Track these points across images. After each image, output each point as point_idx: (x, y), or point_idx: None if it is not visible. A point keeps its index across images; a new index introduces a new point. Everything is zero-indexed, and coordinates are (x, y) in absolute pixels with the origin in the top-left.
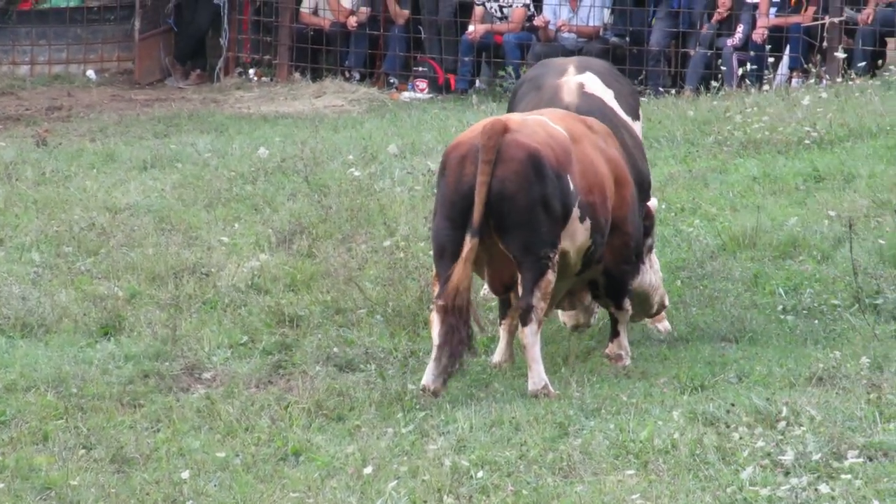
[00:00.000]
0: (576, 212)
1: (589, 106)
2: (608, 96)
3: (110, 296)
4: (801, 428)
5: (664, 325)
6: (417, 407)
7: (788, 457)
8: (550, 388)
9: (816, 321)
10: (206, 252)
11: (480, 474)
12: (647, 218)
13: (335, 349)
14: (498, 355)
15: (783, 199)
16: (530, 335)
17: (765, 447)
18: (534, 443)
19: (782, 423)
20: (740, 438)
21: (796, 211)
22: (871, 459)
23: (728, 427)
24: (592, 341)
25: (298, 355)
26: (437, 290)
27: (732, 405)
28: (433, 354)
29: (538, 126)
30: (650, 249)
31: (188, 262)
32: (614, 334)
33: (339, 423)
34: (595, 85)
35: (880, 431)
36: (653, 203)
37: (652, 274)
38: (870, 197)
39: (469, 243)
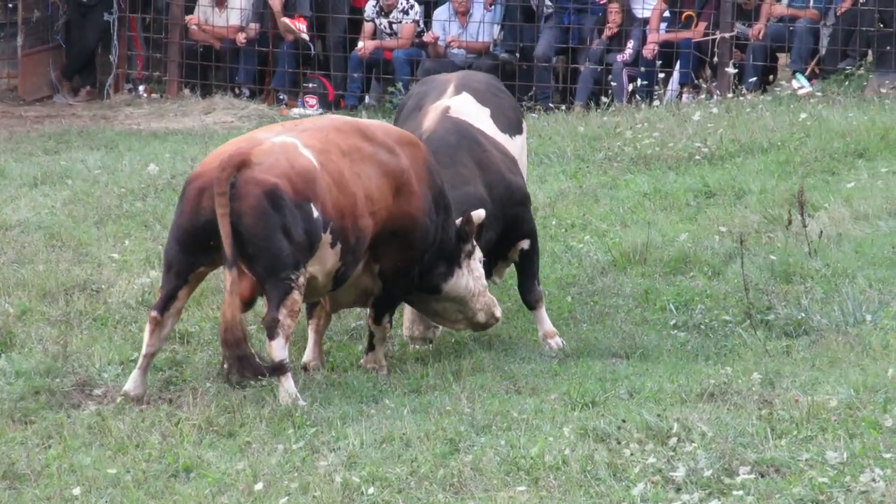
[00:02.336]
0: (326, 237)
1: (446, 130)
2: (482, 115)
3: (1, 312)
4: (693, 444)
5: (556, 341)
6: (308, 423)
7: (680, 473)
8: (300, 399)
9: (708, 337)
10: (96, 269)
11: (371, 491)
12: (468, 224)
13: (226, 365)
14: (307, 355)
15: (674, 214)
16: (278, 349)
17: (656, 463)
18: (424, 459)
19: (673, 440)
20: (631, 455)
21: (687, 227)
22: (762, 475)
23: (619, 443)
24: (486, 358)
25: (189, 371)
26: (157, 301)
27: (623, 421)
28: (139, 363)
29: (282, 155)
30: (469, 255)
31: (79, 279)
32: (369, 347)
33: (230, 440)
34: (466, 107)
35: (772, 447)
36: (479, 213)
37: (471, 280)
38: (761, 212)
39: (229, 276)
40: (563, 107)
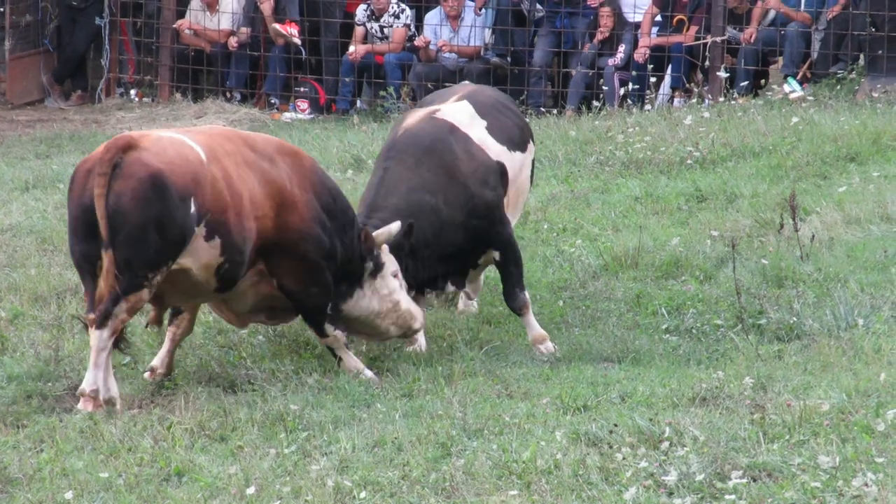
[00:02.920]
0: (200, 230)
1: (422, 131)
2: (477, 124)
3: None
4: (685, 448)
5: (546, 346)
6: (300, 427)
7: (672, 477)
8: (102, 395)
9: (700, 341)
10: None
11: (363, 495)
12: (367, 240)
13: (217, 369)
14: (156, 360)
15: (665, 219)
16: (100, 339)
17: (648, 468)
18: (416, 463)
19: (666, 444)
20: (623, 459)
21: (679, 231)
22: (754, 480)
23: (611, 447)
24: (477, 362)
25: (181, 376)
26: (86, 305)
27: (615, 425)
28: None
29: (171, 145)
30: (373, 274)
31: (71, 283)
32: (338, 360)
33: (222, 444)
34: (460, 113)
35: (764, 452)
36: (390, 228)
37: (375, 300)
38: (752, 216)
39: (106, 258)
40: (555, 111)
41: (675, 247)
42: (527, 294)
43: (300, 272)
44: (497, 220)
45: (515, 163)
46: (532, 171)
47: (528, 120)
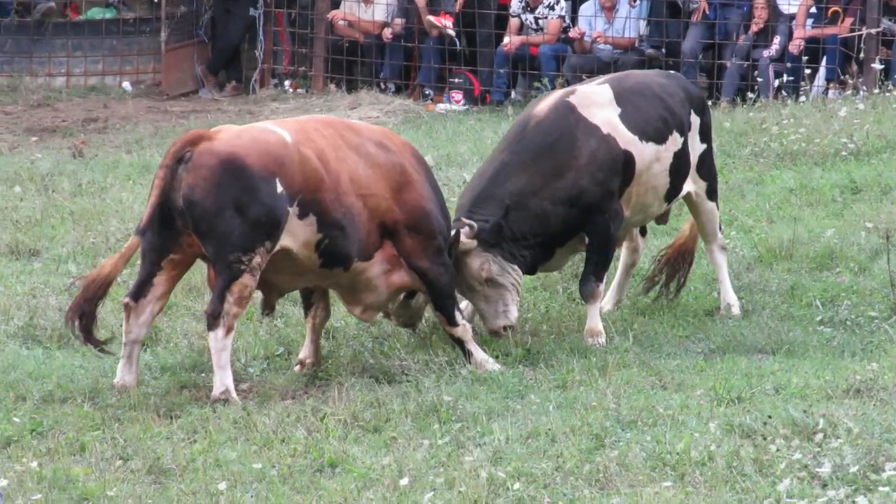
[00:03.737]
0: (293, 210)
1: (555, 123)
2: (608, 111)
3: None
4: (839, 440)
5: (598, 340)
6: (454, 418)
7: (826, 469)
8: (233, 394)
9: (854, 333)
10: None
11: (517, 486)
12: (454, 243)
13: (371, 360)
14: (302, 353)
15: (820, 210)
16: (215, 340)
17: (802, 459)
18: (570, 454)
19: (819, 436)
20: (777, 451)
21: (833, 223)
22: None
23: (765, 439)
24: (631, 354)
25: (334, 366)
26: (131, 289)
27: (769, 417)
28: (122, 352)
29: (247, 132)
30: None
31: None
32: (467, 355)
33: (376, 435)
34: (595, 96)
35: None
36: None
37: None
38: None
39: (131, 241)
40: (709, 102)
41: (829, 238)
42: (601, 287)
43: (428, 249)
44: (598, 211)
45: (646, 155)
46: (704, 161)
47: None
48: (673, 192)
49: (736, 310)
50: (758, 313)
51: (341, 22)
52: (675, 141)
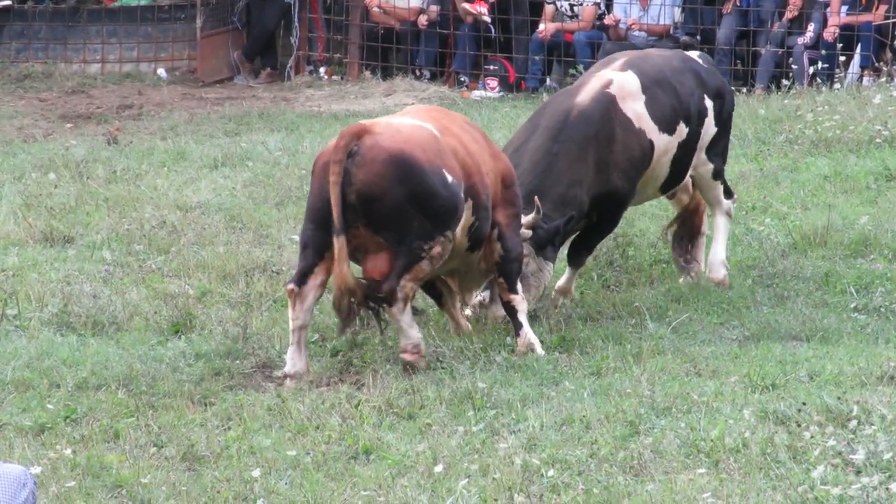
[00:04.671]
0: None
1: (598, 113)
2: (636, 102)
3: (181, 294)
4: (873, 427)
5: (565, 299)
6: (488, 405)
7: (860, 456)
8: (422, 346)
9: (888, 320)
10: (276, 250)
11: (551, 473)
12: None
13: None
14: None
15: (854, 197)
16: (397, 313)
17: (836, 446)
18: (604, 441)
19: (853, 422)
20: (811, 437)
21: (867, 209)
22: None
23: (799, 426)
24: (666, 340)
25: (369, 353)
26: (294, 275)
27: (804, 404)
28: (291, 339)
29: (402, 126)
30: None
31: (259, 261)
32: (517, 327)
33: (410, 422)
34: (628, 85)
35: None
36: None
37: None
38: None
39: (337, 244)
40: (744, 89)
41: (863, 225)
42: (587, 259)
43: (515, 221)
44: (619, 205)
45: (661, 146)
46: (716, 144)
47: None
48: (669, 184)
49: (717, 274)
50: (792, 300)
51: (376, 9)
52: (680, 132)
